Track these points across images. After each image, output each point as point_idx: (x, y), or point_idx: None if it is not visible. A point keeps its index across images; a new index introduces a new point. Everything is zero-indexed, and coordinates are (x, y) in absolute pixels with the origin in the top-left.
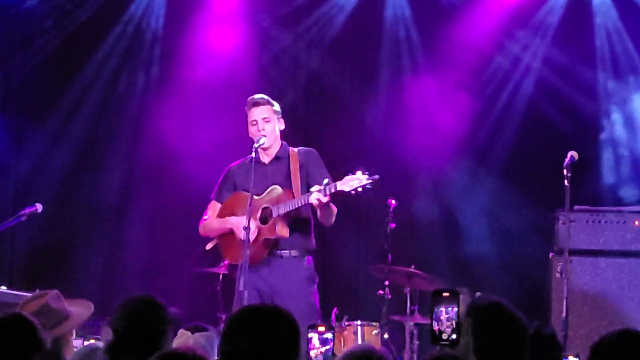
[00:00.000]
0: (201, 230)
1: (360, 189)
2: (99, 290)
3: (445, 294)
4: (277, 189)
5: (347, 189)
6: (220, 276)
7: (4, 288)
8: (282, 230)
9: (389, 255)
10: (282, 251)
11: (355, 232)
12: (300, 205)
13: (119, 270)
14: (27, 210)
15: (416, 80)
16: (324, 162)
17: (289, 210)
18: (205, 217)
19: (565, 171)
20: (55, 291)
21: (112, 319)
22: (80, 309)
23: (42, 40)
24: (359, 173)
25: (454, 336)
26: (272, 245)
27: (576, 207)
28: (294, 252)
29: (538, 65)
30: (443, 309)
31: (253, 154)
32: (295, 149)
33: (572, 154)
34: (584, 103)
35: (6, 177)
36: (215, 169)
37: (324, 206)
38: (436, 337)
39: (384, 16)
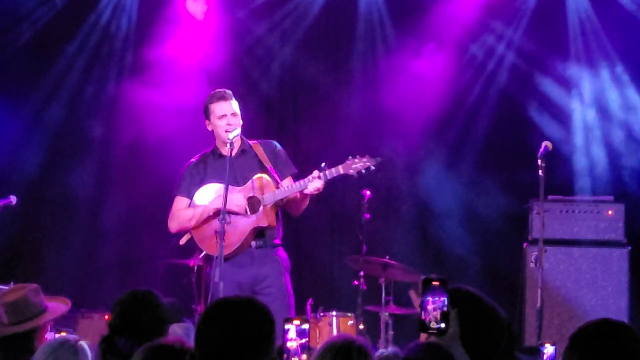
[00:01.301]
0: (174, 224)
1: (364, 172)
2: (73, 283)
3: (435, 283)
4: (264, 178)
5: (351, 172)
6: (195, 268)
7: None
8: (273, 219)
9: (364, 246)
10: (257, 241)
11: (330, 223)
12: (293, 192)
13: (93, 263)
14: (1, 203)
15: (390, 69)
16: (286, 152)
17: (281, 197)
18: (175, 212)
19: (539, 161)
20: (35, 285)
21: (111, 312)
22: (57, 304)
23: (15, 32)
24: (358, 156)
25: (442, 325)
26: (258, 234)
27: (550, 197)
28: (269, 242)
29: (512, 55)
30: (430, 298)
31: (228, 146)
32: (254, 141)
33: (546, 144)
34: (557, 93)
35: None
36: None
37: (316, 195)
38: (424, 325)
39: (358, 6)
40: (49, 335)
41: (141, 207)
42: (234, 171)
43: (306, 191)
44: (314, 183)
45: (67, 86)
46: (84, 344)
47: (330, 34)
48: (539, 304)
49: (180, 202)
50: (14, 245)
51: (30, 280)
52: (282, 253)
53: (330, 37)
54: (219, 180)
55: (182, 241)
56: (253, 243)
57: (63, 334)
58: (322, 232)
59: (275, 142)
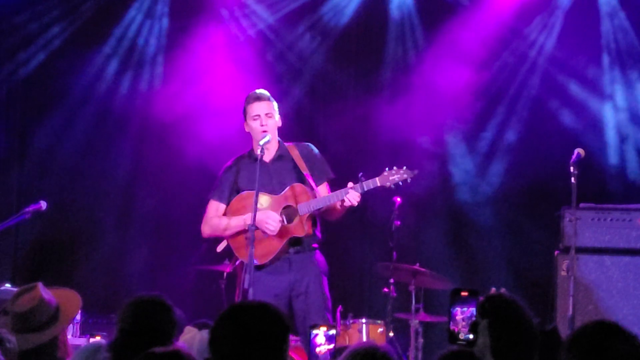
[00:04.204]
0: (207, 230)
1: (401, 184)
2: (103, 288)
3: (464, 294)
4: (298, 186)
5: (388, 185)
6: (225, 274)
7: (7, 285)
8: (310, 228)
9: (394, 253)
10: (295, 246)
11: (361, 229)
12: (332, 202)
13: (123, 268)
14: (31, 208)
15: (421, 76)
16: (322, 155)
17: (316, 208)
18: (209, 217)
19: (571, 168)
20: (40, 283)
21: (119, 316)
22: (68, 306)
23: (47, 36)
24: (395, 168)
25: (470, 336)
26: (296, 241)
27: (582, 204)
28: (306, 247)
29: (544, 61)
30: (459, 308)
31: (259, 152)
32: (291, 144)
33: (579, 151)
34: (590, 99)
35: (10, 174)
36: (218, 168)
37: (353, 205)
38: (454, 336)
39: (389, 12)
40: (83, 340)
41: (171, 213)
42: (271, 177)
43: (345, 203)
44: (350, 195)
45: (98, 91)
46: None
47: (361, 39)
48: (570, 313)
49: (213, 206)
50: (44, 251)
51: (59, 285)
52: (319, 256)
53: (361, 43)
54: (253, 184)
55: (219, 248)
56: (291, 249)
57: (97, 338)
58: (352, 238)
59: (312, 146)
